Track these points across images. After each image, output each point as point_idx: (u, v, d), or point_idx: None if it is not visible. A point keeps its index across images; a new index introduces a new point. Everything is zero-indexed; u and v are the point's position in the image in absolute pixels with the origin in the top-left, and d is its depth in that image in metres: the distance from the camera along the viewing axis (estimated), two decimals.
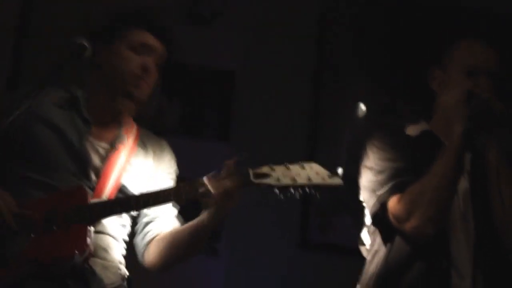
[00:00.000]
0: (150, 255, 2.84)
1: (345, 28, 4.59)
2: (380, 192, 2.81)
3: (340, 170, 4.40)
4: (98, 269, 2.66)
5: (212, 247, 4.27)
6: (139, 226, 2.90)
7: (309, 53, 4.53)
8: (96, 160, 2.76)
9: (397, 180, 2.80)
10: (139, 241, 2.88)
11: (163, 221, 2.87)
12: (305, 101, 4.50)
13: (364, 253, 3.01)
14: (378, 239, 2.90)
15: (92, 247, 2.59)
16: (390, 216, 2.78)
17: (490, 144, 2.76)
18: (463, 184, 2.84)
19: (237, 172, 2.59)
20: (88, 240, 2.57)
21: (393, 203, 2.77)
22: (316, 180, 2.57)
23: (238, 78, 4.43)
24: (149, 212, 2.88)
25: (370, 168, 2.90)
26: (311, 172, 2.59)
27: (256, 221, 4.30)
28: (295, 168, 2.60)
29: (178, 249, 2.77)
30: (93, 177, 2.72)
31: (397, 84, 4.55)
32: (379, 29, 4.59)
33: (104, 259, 2.71)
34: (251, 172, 2.60)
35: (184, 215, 2.90)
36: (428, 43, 4.39)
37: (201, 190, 2.59)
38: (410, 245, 2.79)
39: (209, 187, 2.58)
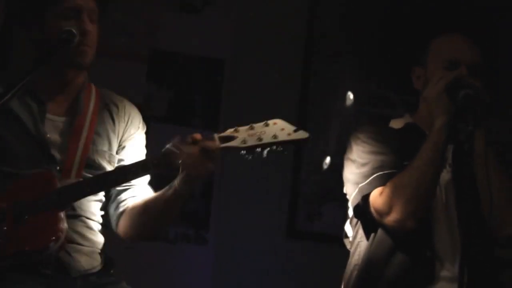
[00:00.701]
0: (123, 225, 2.77)
1: (335, 17, 4.58)
2: (362, 184, 2.82)
3: (328, 159, 4.42)
4: (76, 255, 2.63)
5: (200, 235, 4.28)
6: (111, 195, 2.82)
7: (299, 42, 4.53)
8: (57, 137, 2.70)
9: (379, 173, 2.80)
10: (112, 211, 2.81)
11: (136, 189, 2.80)
12: (294, 90, 4.50)
13: (348, 245, 3.01)
14: (361, 231, 2.90)
15: (65, 233, 2.54)
16: (372, 209, 2.78)
17: (477, 133, 2.76)
18: (446, 175, 2.85)
19: (203, 138, 2.53)
20: (61, 226, 2.52)
21: (374, 196, 2.77)
22: (282, 136, 2.49)
23: (228, 66, 4.42)
24: None
25: (353, 161, 2.90)
26: (276, 129, 2.50)
27: (244, 210, 4.31)
28: (259, 127, 2.52)
29: (151, 218, 2.71)
30: (59, 156, 2.67)
31: (387, 74, 4.54)
32: (370, 18, 4.58)
33: (82, 244, 2.68)
34: (216, 136, 2.53)
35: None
36: (418, 32, 4.39)
37: (168, 158, 2.54)
38: (391, 237, 2.79)
39: (175, 152, 2.52)
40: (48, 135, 2.69)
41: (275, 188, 4.36)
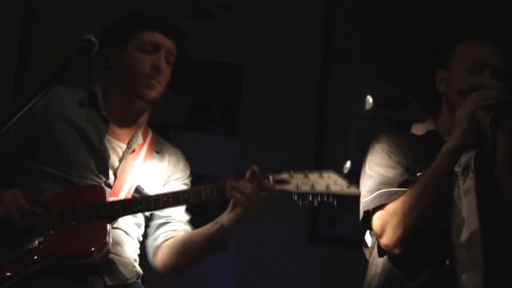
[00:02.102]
0: (162, 257, 2.85)
1: (352, 20, 4.57)
2: (366, 199, 2.85)
3: (348, 164, 4.40)
4: (114, 264, 2.68)
5: None
6: (151, 228, 2.91)
7: (317, 46, 4.53)
8: (114, 159, 2.78)
9: (381, 191, 2.82)
10: (151, 242, 2.89)
11: (176, 224, 2.89)
12: (313, 95, 4.49)
13: (367, 255, 3.01)
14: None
15: (109, 247, 2.60)
16: (373, 228, 2.83)
17: (499, 135, 2.74)
18: (468, 182, 2.83)
19: (258, 178, 2.62)
20: (107, 237, 2.58)
21: (375, 217, 2.82)
22: (335, 189, 2.64)
23: (246, 72, 4.42)
24: (163, 215, 2.90)
25: (365, 172, 2.94)
26: (330, 181, 2.65)
27: (266, 215, 4.28)
28: (313, 176, 2.66)
29: (193, 252, 2.79)
30: (112, 175, 2.75)
31: (406, 77, 4.53)
32: (388, 21, 4.57)
33: (120, 254, 2.73)
34: (271, 177, 2.64)
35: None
36: (438, 35, 4.38)
37: (221, 193, 2.62)
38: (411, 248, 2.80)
39: (231, 190, 2.60)
40: (109, 153, 2.77)
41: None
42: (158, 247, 2.87)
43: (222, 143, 4.27)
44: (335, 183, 2.64)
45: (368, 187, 2.87)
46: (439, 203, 2.74)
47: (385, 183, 2.83)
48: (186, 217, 2.94)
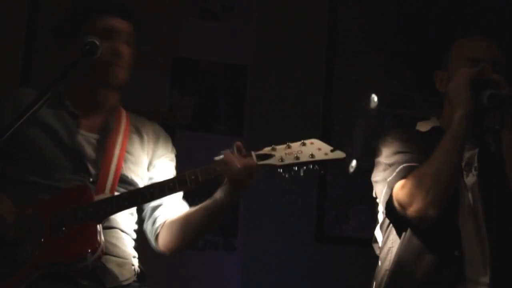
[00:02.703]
0: (163, 239, 2.82)
1: (357, 18, 4.57)
2: (390, 178, 2.83)
3: (354, 162, 4.41)
4: (111, 266, 2.66)
5: (229, 242, 4.28)
6: (146, 212, 2.88)
7: (321, 45, 4.53)
8: (91, 152, 2.75)
9: (405, 165, 2.81)
10: (149, 226, 2.86)
11: (171, 204, 2.85)
12: (318, 94, 4.49)
13: (377, 250, 3.01)
14: (392, 236, 2.90)
15: (102, 246, 2.58)
16: (395, 203, 2.79)
17: (504, 131, 2.75)
18: (472, 178, 2.85)
19: (241, 155, 2.58)
20: (99, 238, 2.56)
21: (397, 189, 2.79)
22: (319, 156, 2.55)
23: (251, 72, 4.42)
24: None
25: (381, 163, 2.92)
26: (313, 149, 2.56)
27: (272, 216, 4.30)
28: (296, 146, 2.58)
29: (193, 229, 2.76)
30: (93, 170, 2.71)
31: (410, 75, 4.53)
32: (392, 18, 4.57)
33: (117, 255, 2.71)
34: (253, 154, 2.58)
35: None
36: (441, 33, 4.38)
37: (206, 176, 2.58)
38: (419, 238, 2.79)
39: (219, 167, 2.57)
40: (83, 147, 2.74)
41: (302, 193, 4.35)
42: (157, 229, 2.84)
43: (227, 143, 4.25)
44: (319, 149, 2.56)
45: (390, 170, 2.86)
46: (460, 165, 2.78)
47: (406, 161, 2.83)
48: (180, 194, 2.90)
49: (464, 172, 2.86)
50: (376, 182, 2.94)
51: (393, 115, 4.52)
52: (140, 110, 3.06)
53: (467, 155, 2.86)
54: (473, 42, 2.97)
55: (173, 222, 2.81)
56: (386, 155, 2.91)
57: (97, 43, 2.61)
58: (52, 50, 2.88)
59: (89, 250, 2.53)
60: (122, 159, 2.77)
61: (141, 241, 2.88)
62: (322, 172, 2.60)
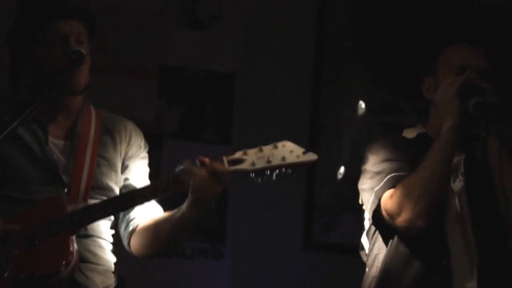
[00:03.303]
0: (135, 244, 2.78)
1: (344, 26, 4.58)
2: (378, 187, 2.82)
3: (342, 169, 4.41)
4: (91, 274, 2.64)
5: (217, 250, 4.28)
6: (119, 214, 2.83)
7: (309, 53, 4.53)
8: (63, 160, 2.71)
9: (392, 174, 2.81)
10: (123, 230, 2.82)
11: (144, 207, 2.78)
12: (305, 101, 4.50)
13: (364, 257, 3.01)
14: (378, 243, 2.90)
15: (76, 256, 2.54)
16: (383, 213, 2.79)
17: (490, 138, 2.77)
18: (459, 184, 2.86)
19: (211, 161, 2.53)
20: (71, 249, 2.53)
21: (385, 199, 2.78)
22: (291, 159, 2.48)
23: (238, 80, 4.43)
24: None
25: (369, 171, 2.91)
26: (285, 152, 2.50)
27: (260, 223, 4.30)
28: (268, 149, 2.51)
29: (162, 238, 2.71)
30: (66, 179, 2.67)
31: (398, 82, 4.54)
32: (379, 27, 4.58)
33: (97, 263, 2.69)
34: (225, 159, 2.53)
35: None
36: (424, 43, 4.40)
37: (178, 182, 2.53)
38: (406, 245, 2.79)
39: (185, 175, 2.52)
40: (55, 156, 2.70)
41: (290, 200, 4.36)
42: (130, 234, 2.79)
43: (215, 152, 4.24)
44: (291, 152, 2.49)
45: (377, 179, 2.84)
46: (450, 174, 2.78)
47: (394, 170, 2.82)
48: None
49: (451, 178, 2.87)
50: (363, 190, 2.94)
51: (381, 123, 4.53)
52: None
53: (453, 160, 2.87)
54: (460, 50, 2.97)
55: (144, 229, 2.76)
56: (374, 163, 2.91)
57: (83, 52, 2.60)
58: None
59: (63, 262, 2.50)
60: (94, 164, 2.72)
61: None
62: (293, 176, 2.51)
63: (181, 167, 2.55)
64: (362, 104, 4.52)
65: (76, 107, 2.79)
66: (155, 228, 2.72)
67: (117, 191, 2.78)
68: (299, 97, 4.49)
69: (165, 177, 2.59)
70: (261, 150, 2.52)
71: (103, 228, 2.77)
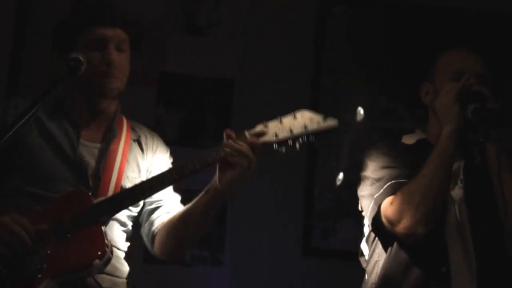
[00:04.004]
0: (161, 241, 2.78)
1: (343, 33, 4.58)
2: (377, 194, 2.82)
3: (341, 175, 4.41)
4: (106, 285, 2.64)
5: (216, 257, 4.27)
6: (143, 216, 2.85)
7: (307, 59, 4.53)
8: (92, 163, 2.73)
9: (393, 181, 2.81)
10: (146, 230, 2.83)
11: (168, 206, 2.83)
12: (304, 107, 4.48)
13: (363, 264, 3.01)
14: (378, 250, 2.90)
15: (110, 248, 2.55)
16: (383, 220, 2.79)
17: (488, 144, 2.77)
18: (458, 191, 2.86)
19: (235, 138, 2.58)
20: (106, 240, 2.54)
21: (385, 206, 2.78)
22: (312, 126, 2.54)
23: (237, 86, 4.43)
24: (153, 200, 2.83)
25: (368, 177, 2.92)
26: (305, 120, 2.55)
27: (259, 230, 4.30)
28: (288, 120, 2.57)
29: (192, 226, 2.70)
30: (92, 182, 2.68)
31: (396, 87, 4.54)
32: (378, 33, 4.58)
33: (113, 274, 2.69)
34: (247, 134, 2.58)
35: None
36: (422, 48, 4.40)
37: (203, 162, 2.56)
38: (406, 252, 2.79)
39: (230, 155, 2.54)
40: (85, 158, 2.72)
41: (289, 207, 4.35)
42: (154, 233, 2.80)
43: None
44: (311, 120, 2.55)
45: (377, 186, 2.85)
46: (450, 180, 2.79)
47: (394, 177, 2.83)
48: (177, 197, 2.88)
49: (450, 185, 2.86)
50: (362, 196, 2.94)
51: (380, 129, 4.53)
52: None
53: (452, 167, 2.87)
54: (458, 55, 2.98)
55: (170, 222, 2.76)
56: (373, 170, 2.91)
57: (81, 58, 2.61)
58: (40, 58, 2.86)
59: (99, 253, 2.50)
60: (123, 168, 2.75)
61: (128, 257, 2.87)
62: (316, 143, 2.58)
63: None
64: (361, 110, 4.52)
65: (111, 111, 2.83)
66: (185, 217, 2.71)
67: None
68: (298, 103, 4.43)
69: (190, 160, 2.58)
70: (281, 122, 2.57)
71: (121, 239, 2.78)
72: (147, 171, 2.86)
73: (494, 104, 2.77)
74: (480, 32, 4.50)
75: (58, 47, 2.82)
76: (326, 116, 2.56)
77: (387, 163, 2.89)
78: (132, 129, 2.90)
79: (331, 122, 2.56)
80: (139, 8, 4.31)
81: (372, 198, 2.84)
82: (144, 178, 2.80)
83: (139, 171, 2.83)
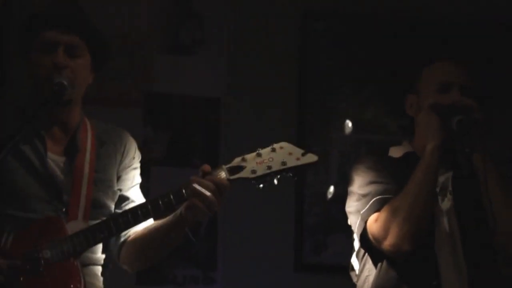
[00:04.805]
0: (126, 255, 2.75)
1: (328, 47, 4.59)
2: (363, 210, 2.82)
3: (332, 189, 4.41)
4: None
5: (208, 276, 4.26)
6: None
7: (293, 75, 4.54)
8: (61, 177, 2.68)
9: (378, 197, 2.80)
10: (113, 241, 2.78)
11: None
12: (292, 123, 4.50)
13: (354, 278, 3.00)
14: (368, 265, 2.89)
15: (84, 283, 2.52)
16: (370, 237, 2.78)
17: (476, 155, 2.78)
18: (447, 203, 2.86)
19: (212, 172, 2.52)
20: (81, 277, 2.51)
21: (371, 222, 2.78)
22: (291, 162, 2.48)
23: (224, 104, 4.43)
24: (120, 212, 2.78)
25: (354, 193, 2.91)
26: (284, 154, 2.49)
27: (250, 247, 4.29)
28: (266, 153, 2.51)
29: (154, 245, 2.69)
30: (65, 196, 2.64)
31: (383, 100, 4.55)
32: (363, 46, 4.59)
33: None
34: (224, 168, 2.52)
35: None
36: (411, 59, 4.41)
37: (178, 196, 2.52)
38: (396, 268, 2.78)
39: (185, 191, 2.50)
40: (56, 173, 2.67)
41: (279, 222, 4.35)
42: (120, 246, 2.76)
43: None
44: (290, 154, 2.49)
45: (363, 202, 2.84)
46: (434, 196, 2.78)
47: (380, 192, 2.82)
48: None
49: (439, 197, 2.86)
50: (349, 212, 2.94)
51: (368, 141, 4.54)
52: None
53: (441, 179, 2.87)
54: (442, 67, 2.98)
55: (135, 240, 2.73)
56: (360, 185, 2.90)
57: (65, 83, 2.59)
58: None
59: None
60: (92, 183, 2.70)
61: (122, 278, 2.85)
62: (295, 178, 2.52)
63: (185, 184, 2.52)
64: (348, 123, 4.53)
65: (73, 120, 2.77)
66: (149, 234, 2.69)
67: (113, 207, 2.77)
68: (285, 119, 4.49)
69: (167, 190, 2.56)
70: (259, 155, 2.51)
71: (97, 254, 2.74)
72: (117, 176, 2.81)
73: (479, 114, 2.78)
74: (464, 43, 4.52)
75: (17, 47, 2.78)
76: (305, 151, 2.51)
77: (373, 178, 2.88)
78: (96, 136, 2.81)
79: (311, 158, 2.50)
80: (123, 28, 4.32)
81: (359, 214, 2.84)
82: (115, 187, 2.78)
83: (110, 179, 2.78)
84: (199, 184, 2.49)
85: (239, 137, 4.37)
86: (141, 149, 2.97)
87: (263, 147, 2.54)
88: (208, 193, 2.47)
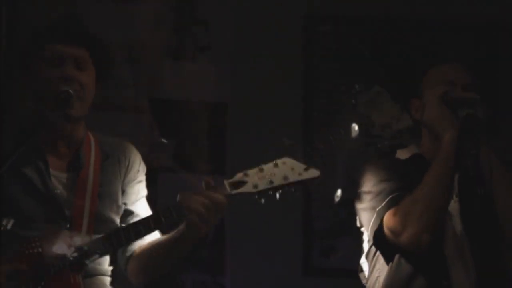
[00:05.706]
0: (133, 268, 2.77)
1: (333, 51, 4.59)
2: (380, 207, 2.82)
3: (339, 192, 4.41)
4: None
5: (217, 281, 4.26)
6: None
7: (298, 79, 4.54)
8: (65, 194, 2.69)
9: (395, 194, 2.80)
10: (120, 254, 2.79)
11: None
12: (298, 127, 4.50)
13: (363, 280, 3.00)
14: (378, 265, 2.89)
15: None
16: (386, 232, 2.78)
17: (482, 155, 2.78)
18: (454, 204, 2.86)
19: (214, 187, 2.52)
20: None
21: (388, 217, 2.78)
22: (293, 177, 2.48)
23: (230, 109, 4.43)
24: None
25: (368, 192, 2.91)
26: (286, 170, 2.49)
27: (258, 251, 4.29)
28: (269, 169, 2.50)
29: (159, 260, 2.70)
30: (68, 212, 2.65)
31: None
32: (367, 48, 4.59)
33: None
34: (226, 183, 2.52)
35: None
36: (409, 65, 4.42)
37: (178, 210, 2.52)
38: (408, 264, 2.78)
39: (185, 205, 2.50)
40: (57, 191, 2.68)
41: (287, 227, 4.35)
42: (127, 259, 2.77)
43: None
44: (292, 169, 2.48)
45: (378, 199, 2.84)
46: (452, 188, 2.78)
47: (395, 189, 2.83)
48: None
49: None
50: (363, 210, 2.92)
51: (374, 144, 4.54)
52: None
53: None
54: (446, 70, 2.99)
55: (141, 254, 2.74)
56: (373, 184, 2.90)
57: (71, 92, 2.60)
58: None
59: None
60: (96, 198, 2.70)
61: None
62: (297, 194, 2.52)
63: (182, 194, 2.52)
64: (355, 127, 4.53)
65: (77, 135, 2.78)
66: (153, 250, 2.70)
67: (118, 221, 2.77)
68: (291, 123, 4.49)
69: (167, 204, 2.56)
70: (261, 170, 2.51)
71: (104, 265, 2.75)
72: (122, 190, 2.82)
73: (483, 110, 2.77)
74: (468, 45, 4.51)
75: (18, 61, 2.79)
76: (308, 166, 2.51)
77: (386, 176, 2.89)
78: (101, 150, 2.82)
79: (313, 174, 2.50)
80: (129, 35, 4.34)
81: (374, 211, 2.83)
82: (120, 201, 2.79)
83: (115, 193, 2.79)
84: (195, 202, 2.49)
85: (246, 141, 4.38)
86: (147, 155, 2.96)
87: (266, 162, 2.54)
88: (202, 210, 2.47)
